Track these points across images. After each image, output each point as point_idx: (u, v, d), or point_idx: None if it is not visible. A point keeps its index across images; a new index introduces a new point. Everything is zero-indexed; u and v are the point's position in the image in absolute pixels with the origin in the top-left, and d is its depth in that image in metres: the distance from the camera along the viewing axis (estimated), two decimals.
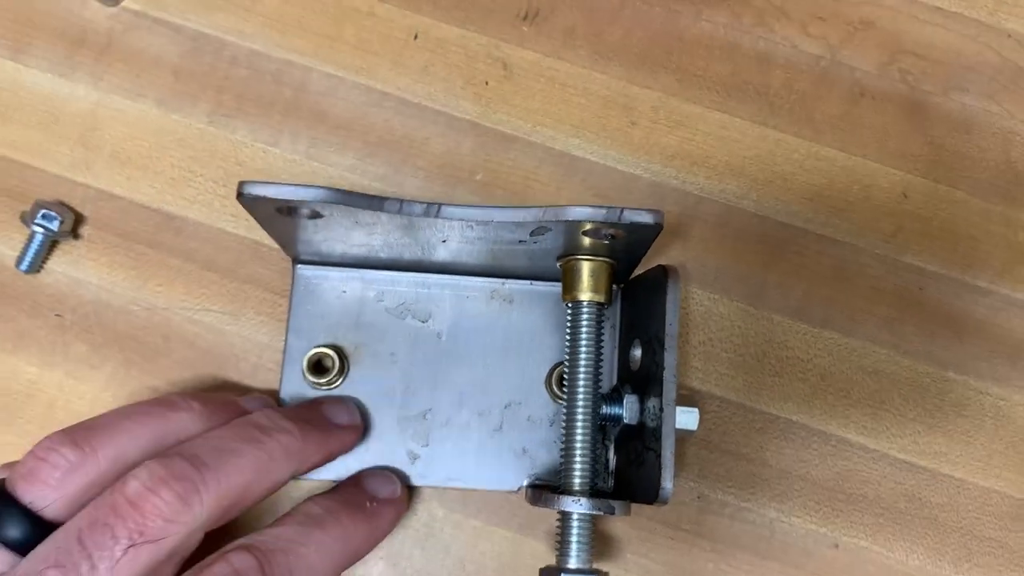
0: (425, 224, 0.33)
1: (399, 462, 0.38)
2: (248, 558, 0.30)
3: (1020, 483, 0.39)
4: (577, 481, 0.34)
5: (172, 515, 0.28)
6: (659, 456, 0.33)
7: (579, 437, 0.35)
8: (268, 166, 0.41)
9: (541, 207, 0.32)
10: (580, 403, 0.35)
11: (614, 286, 0.39)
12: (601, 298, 0.36)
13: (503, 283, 0.40)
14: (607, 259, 0.36)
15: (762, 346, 0.40)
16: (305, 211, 0.32)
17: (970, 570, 0.39)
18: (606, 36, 0.43)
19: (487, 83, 0.43)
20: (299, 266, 0.40)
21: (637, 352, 0.37)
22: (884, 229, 0.42)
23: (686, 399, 0.40)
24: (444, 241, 0.35)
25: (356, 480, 0.37)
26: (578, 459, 0.34)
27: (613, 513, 0.33)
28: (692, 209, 0.41)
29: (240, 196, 0.30)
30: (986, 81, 0.43)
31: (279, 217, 0.32)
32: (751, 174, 0.42)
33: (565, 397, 0.36)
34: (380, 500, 0.36)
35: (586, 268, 0.36)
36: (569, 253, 0.36)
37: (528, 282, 0.40)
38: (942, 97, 0.43)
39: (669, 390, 0.34)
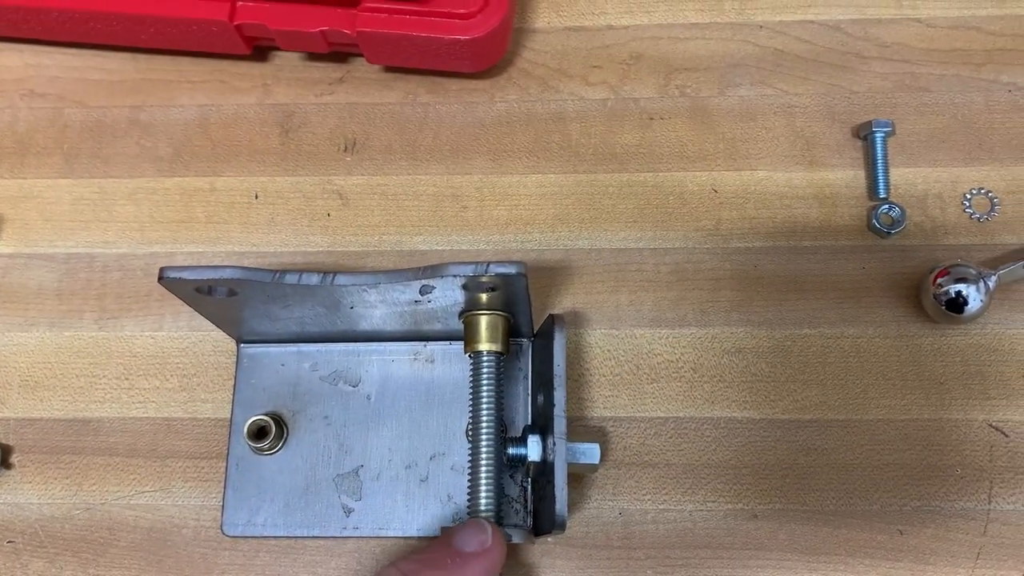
0: (324, 292, 0.37)
1: (335, 517, 0.41)
2: None
3: (900, 407, 0.43)
4: (481, 512, 0.38)
5: None
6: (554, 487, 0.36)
7: (483, 472, 0.38)
8: (159, 348, 0.45)
9: (420, 267, 0.36)
10: (483, 442, 0.38)
11: (526, 340, 0.44)
12: (498, 348, 0.39)
13: (424, 345, 0.44)
14: (501, 312, 0.40)
15: (633, 360, 0.44)
16: (221, 289, 0.36)
17: (880, 497, 0.41)
18: (419, 143, 0.49)
19: (329, 215, 0.47)
20: (242, 345, 0.44)
21: (540, 397, 0.41)
22: (706, 225, 0.46)
23: (592, 433, 0.43)
24: (352, 307, 0.39)
25: (446, 535, 0.37)
26: (482, 493, 0.38)
27: (511, 540, 0.36)
28: (535, 263, 0.46)
29: (161, 279, 0.35)
30: (753, 71, 0.49)
31: (204, 298, 0.37)
32: (577, 217, 0.47)
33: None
34: (466, 554, 0.36)
35: (483, 321, 0.40)
36: (468, 310, 0.40)
37: (447, 343, 0.44)
38: (720, 97, 0.48)
39: (559, 424, 0.38)
